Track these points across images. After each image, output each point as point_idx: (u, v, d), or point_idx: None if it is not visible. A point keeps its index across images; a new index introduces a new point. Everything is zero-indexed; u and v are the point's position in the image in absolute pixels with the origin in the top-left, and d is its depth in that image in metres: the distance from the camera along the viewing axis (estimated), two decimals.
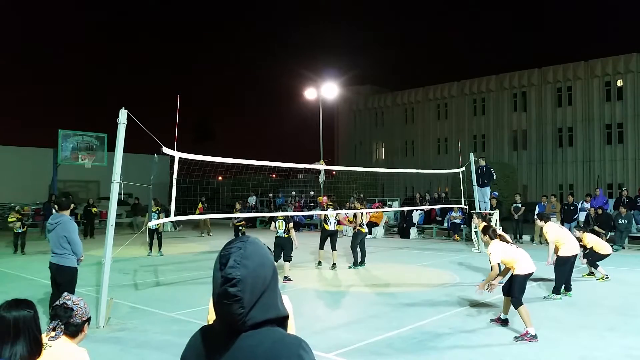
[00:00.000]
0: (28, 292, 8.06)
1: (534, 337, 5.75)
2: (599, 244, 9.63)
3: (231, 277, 1.33)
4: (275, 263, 8.31)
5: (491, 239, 6.48)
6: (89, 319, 2.55)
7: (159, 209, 14.19)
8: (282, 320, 1.41)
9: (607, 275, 9.65)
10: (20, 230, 14.62)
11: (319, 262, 11.79)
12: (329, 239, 11.68)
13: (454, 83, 42.43)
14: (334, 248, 11.60)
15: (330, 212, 11.71)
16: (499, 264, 6.27)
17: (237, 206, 15.38)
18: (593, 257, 9.64)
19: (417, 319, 6.79)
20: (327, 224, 11.65)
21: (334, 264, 11.42)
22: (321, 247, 11.70)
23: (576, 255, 8.25)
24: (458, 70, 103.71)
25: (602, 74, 35.16)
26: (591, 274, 10.04)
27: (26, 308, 2.13)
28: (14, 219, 14.75)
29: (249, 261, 1.36)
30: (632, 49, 34.31)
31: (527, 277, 6.20)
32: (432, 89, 43.75)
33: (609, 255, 9.60)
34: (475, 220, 8.51)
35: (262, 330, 1.34)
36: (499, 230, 7.77)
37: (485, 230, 6.73)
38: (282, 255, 9.88)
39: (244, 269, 1.34)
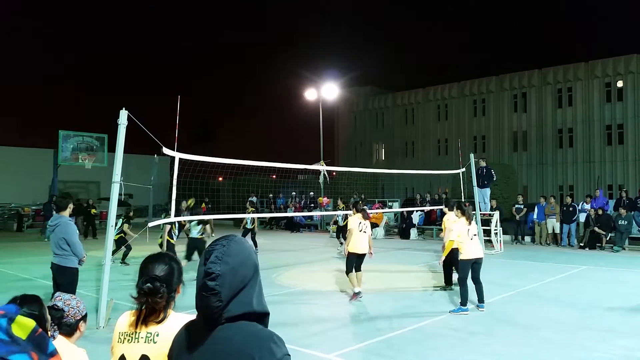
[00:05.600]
0: (28, 293, 8.04)
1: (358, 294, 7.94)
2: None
3: (211, 271, 1.41)
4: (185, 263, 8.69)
5: (357, 211, 8.21)
6: (84, 317, 2.51)
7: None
8: (261, 317, 1.47)
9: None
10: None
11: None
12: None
13: (454, 84, 42.42)
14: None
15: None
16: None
17: (250, 208, 15.11)
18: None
19: (418, 320, 6.79)
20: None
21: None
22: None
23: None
24: (458, 71, 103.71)
25: (602, 75, 35.16)
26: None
27: (28, 308, 2.09)
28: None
29: (231, 258, 1.44)
30: (633, 50, 34.36)
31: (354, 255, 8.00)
32: (432, 90, 43.75)
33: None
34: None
35: (238, 323, 1.41)
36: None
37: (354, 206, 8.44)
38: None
39: (225, 265, 1.42)
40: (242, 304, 1.42)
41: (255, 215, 14.60)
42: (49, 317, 2.17)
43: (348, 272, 8.06)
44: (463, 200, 15.15)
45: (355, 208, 8.31)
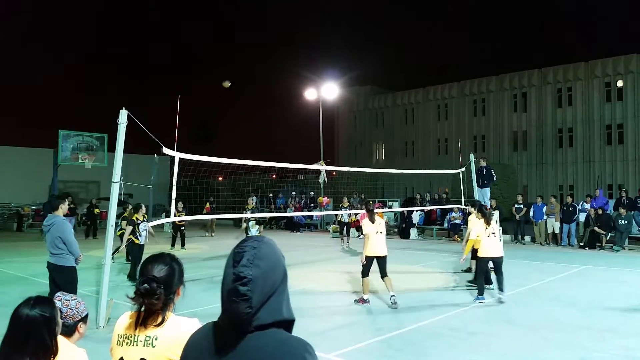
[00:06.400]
0: (27, 293, 8.02)
1: (366, 301, 7.67)
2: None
3: (243, 275, 1.32)
4: None
5: (367, 211, 7.88)
6: (83, 318, 2.50)
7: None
8: (288, 324, 1.40)
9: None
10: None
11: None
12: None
13: (454, 84, 42.43)
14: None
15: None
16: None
17: (250, 204, 14.92)
18: None
19: (417, 320, 6.79)
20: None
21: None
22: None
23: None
24: (458, 71, 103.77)
25: (602, 74, 35.16)
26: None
27: (40, 309, 2.09)
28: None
29: (262, 262, 1.36)
30: (633, 49, 34.35)
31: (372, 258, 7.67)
32: (432, 90, 43.75)
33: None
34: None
35: (268, 332, 1.33)
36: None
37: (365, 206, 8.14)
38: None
39: (256, 269, 1.34)
40: (273, 312, 1.35)
41: (255, 215, 14.58)
42: (60, 320, 2.15)
43: (364, 275, 7.73)
44: (463, 200, 15.19)
45: (365, 208, 8.04)
